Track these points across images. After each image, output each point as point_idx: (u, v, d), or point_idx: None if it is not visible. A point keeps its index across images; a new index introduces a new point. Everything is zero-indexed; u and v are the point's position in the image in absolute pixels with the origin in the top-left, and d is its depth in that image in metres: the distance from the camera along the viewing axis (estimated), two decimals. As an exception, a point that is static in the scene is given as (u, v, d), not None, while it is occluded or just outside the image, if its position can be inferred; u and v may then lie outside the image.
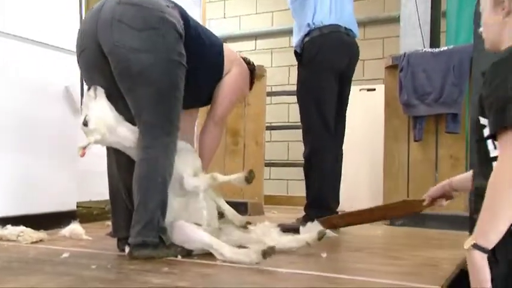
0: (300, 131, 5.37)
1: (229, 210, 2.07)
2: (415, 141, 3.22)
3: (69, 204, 2.77)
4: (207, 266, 1.75)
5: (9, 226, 2.29)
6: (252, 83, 2.52)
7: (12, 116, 2.50)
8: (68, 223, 2.45)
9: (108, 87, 1.92)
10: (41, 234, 2.29)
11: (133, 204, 1.88)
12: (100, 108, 1.88)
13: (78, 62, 2.02)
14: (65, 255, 1.88)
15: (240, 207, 3.63)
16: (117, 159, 2.01)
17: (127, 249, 1.85)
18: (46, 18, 2.66)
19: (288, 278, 1.64)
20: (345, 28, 2.67)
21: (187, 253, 1.89)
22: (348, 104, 2.83)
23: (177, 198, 1.96)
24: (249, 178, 1.85)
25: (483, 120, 1.25)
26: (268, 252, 1.68)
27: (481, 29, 1.40)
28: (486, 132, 1.25)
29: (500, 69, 1.19)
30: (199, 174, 2.02)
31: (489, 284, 1.14)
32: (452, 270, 1.71)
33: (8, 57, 2.47)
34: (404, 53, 3.25)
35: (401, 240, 2.66)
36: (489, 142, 1.25)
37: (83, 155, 1.90)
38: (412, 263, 1.90)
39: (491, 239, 1.13)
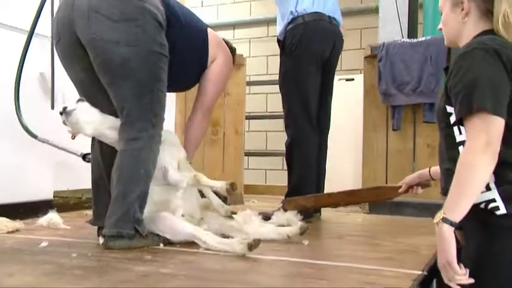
0: (278, 120, 5.41)
1: (214, 199, 2.06)
2: (394, 130, 3.26)
3: (45, 194, 2.73)
4: (190, 254, 1.75)
5: (-17, 216, 2.23)
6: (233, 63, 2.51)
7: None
8: (45, 212, 2.40)
9: (88, 78, 1.88)
10: (17, 223, 2.24)
11: None
12: (86, 112, 1.86)
13: (56, 50, 1.97)
14: (44, 244, 1.85)
15: (220, 197, 3.62)
16: (101, 147, 1.98)
17: (101, 239, 1.83)
18: (18, 3, 2.59)
19: (271, 264, 1.65)
20: (329, 16, 2.66)
21: (167, 241, 1.87)
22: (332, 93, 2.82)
23: (159, 188, 1.95)
24: (231, 190, 1.85)
25: (449, 109, 1.35)
26: (254, 245, 1.68)
27: (440, 26, 1.48)
28: (452, 119, 1.34)
29: (465, 61, 1.29)
30: (184, 167, 2.00)
31: (454, 255, 1.21)
32: (431, 255, 1.75)
33: None
34: (383, 43, 3.28)
35: (381, 227, 2.70)
36: (455, 128, 1.34)
37: (73, 137, 1.92)
38: (392, 249, 1.93)
39: (458, 213, 1.22)
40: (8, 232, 2.15)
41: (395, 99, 3.21)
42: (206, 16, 5.88)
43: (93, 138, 2.03)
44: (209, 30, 2.20)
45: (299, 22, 2.60)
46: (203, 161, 3.86)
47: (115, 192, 1.82)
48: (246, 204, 3.69)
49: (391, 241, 2.10)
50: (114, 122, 1.90)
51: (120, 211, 1.79)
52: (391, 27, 3.60)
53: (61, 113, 1.85)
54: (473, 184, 1.21)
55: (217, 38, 2.24)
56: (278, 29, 2.74)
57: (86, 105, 1.88)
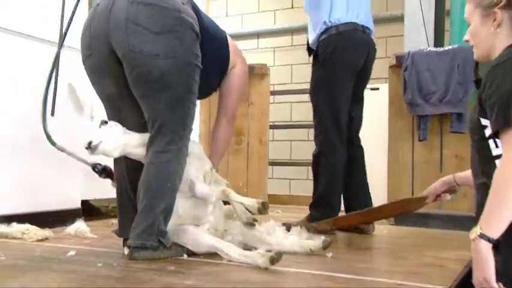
0: (303, 130, 5.40)
1: (238, 206, 2.02)
2: (420, 140, 3.22)
3: (73, 202, 2.78)
4: (214, 265, 1.75)
5: (14, 224, 2.31)
6: None
7: (17, 115, 2.51)
8: (72, 221, 2.46)
9: (118, 93, 1.89)
10: (46, 232, 2.30)
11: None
12: (115, 144, 1.85)
13: (84, 64, 1.94)
14: (71, 253, 1.90)
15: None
16: (126, 159, 1.98)
17: (126, 250, 1.85)
18: (47, 15, 2.63)
19: (295, 277, 1.64)
20: (362, 26, 2.63)
21: (191, 252, 1.88)
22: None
23: (184, 200, 1.96)
24: (262, 209, 1.81)
25: (484, 121, 1.32)
26: (276, 259, 1.67)
27: (466, 37, 1.45)
28: (488, 132, 1.31)
29: (499, 71, 1.26)
30: (210, 179, 2.01)
31: (493, 274, 1.18)
32: (459, 270, 1.71)
33: (10, 55, 2.47)
34: (409, 52, 3.24)
35: (407, 240, 2.65)
36: (491, 141, 1.32)
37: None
38: (418, 262, 1.90)
39: (496, 229, 1.19)
40: (38, 240, 2.21)
41: (421, 109, 3.17)
42: (230, 25, 5.95)
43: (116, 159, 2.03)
44: (228, 38, 2.21)
45: (333, 32, 2.58)
46: (227, 170, 3.88)
47: (142, 204, 1.83)
48: (270, 214, 3.68)
49: (417, 254, 2.06)
50: (139, 139, 1.90)
51: (145, 223, 1.80)
52: (416, 36, 3.56)
53: (87, 148, 1.82)
54: (510, 199, 1.17)
55: (234, 45, 2.24)
56: (310, 38, 2.72)
57: (109, 130, 1.86)
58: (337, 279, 1.60)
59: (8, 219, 2.34)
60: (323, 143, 2.64)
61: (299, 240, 2.05)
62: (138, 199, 1.86)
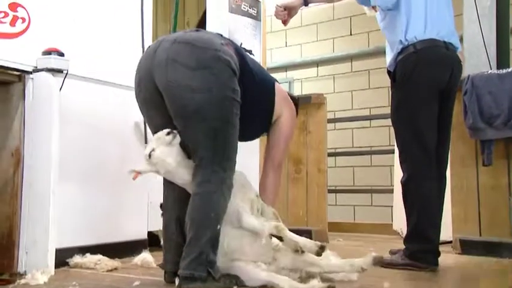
0: (365, 156, 5.35)
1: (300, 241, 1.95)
2: (484, 165, 3.10)
3: (140, 234, 2.95)
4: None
5: (88, 254, 2.51)
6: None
7: (88, 154, 2.72)
8: (139, 252, 2.64)
9: (164, 124, 2.01)
10: (116, 262, 2.48)
11: (184, 238, 1.94)
12: (169, 154, 1.95)
13: (136, 100, 2.13)
14: (136, 283, 2.04)
15: (304, 235, 3.65)
16: (173, 191, 2.09)
17: (177, 281, 1.91)
18: (113, 59, 2.87)
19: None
20: (444, 42, 2.49)
21: (241, 284, 1.91)
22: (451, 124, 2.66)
23: (233, 231, 1.98)
24: (320, 252, 1.81)
25: None
26: None
27: None
28: None
29: None
30: (257, 208, 2.02)
31: None
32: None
33: (78, 97, 2.68)
34: (468, 76, 3.17)
35: (475, 270, 2.54)
36: None
37: (135, 177, 1.99)
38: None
39: None
40: (108, 270, 2.39)
41: (484, 133, 3.07)
42: (289, 55, 6.10)
43: (165, 185, 2.14)
44: (277, 85, 2.27)
45: (410, 51, 2.47)
46: (287, 198, 3.95)
47: (189, 235, 1.90)
48: (331, 242, 3.70)
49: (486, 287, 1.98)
50: (187, 161, 1.97)
51: (193, 253, 1.87)
52: (477, 58, 3.47)
53: (149, 156, 1.94)
54: None
55: (284, 93, 2.29)
56: (387, 59, 2.65)
57: (176, 149, 1.96)
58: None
59: (83, 250, 2.54)
60: (410, 169, 2.50)
61: (349, 260, 2.03)
62: (186, 230, 1.93)
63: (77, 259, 2.47)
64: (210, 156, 1.93)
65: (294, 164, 3.96)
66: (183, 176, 1.97)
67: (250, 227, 1.96)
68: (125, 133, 2.92)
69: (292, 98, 2.39)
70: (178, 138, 1.96)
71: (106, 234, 2.76)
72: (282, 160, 2.26)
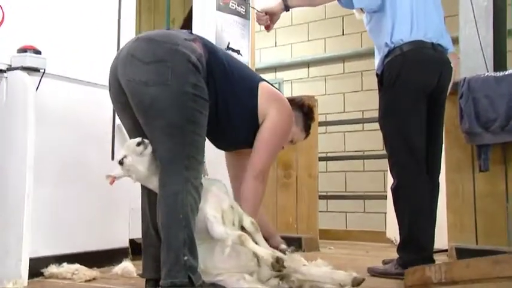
0: (358, 161, 5.36)
1: (263, 252, 1.92)
2: (481, 171, 3.12)
3: (121, 241, 2.91)
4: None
5: (65, 264, 2.46)
6: (308, 126, 2.49)
7: (66, 155, 2.69)
8: (120, 260, 2.60)
9: (134, 124, 2.00)
10: (94, 272, 2.44)
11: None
12: (140, 162, 1.93)
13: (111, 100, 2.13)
14: (117, 294, 2.02)
15: (294, 243, 3.65)
16: (148, 196, 2.06)
17: None
18: (91, 58, 2.84)
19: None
20: (432, 44, 2.49)
21: None
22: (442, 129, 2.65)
23: (205, 246, 1.95)
24: (275, 265, 1.78)
25: None
26: None
27: None
28: None
29: None
30: (229, 219, 1.98)
31: None
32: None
33: (55, 97, 2.65)
34: (464, 78, 3.19)
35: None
36: None
37: (112, 182, 1.98)
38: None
39: None
40: (86, 281, 2.34)
41: (480, 138, 3.09)
42: (279, 56, 6.11)
43: (142, 190, 2.11)
44: (263, 84, 2.19)
45: (396, 53, 2.49)
46: (276, 204, 3.94)
47: (162, 241, 1.86)
48: (322, 251, 3.69)
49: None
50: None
51: (170, 260, 1.82)
52: (473, 61, 3.50)
53: (121, 163, 1.94)
54: None
55: (273, 94, 2.20)
56: (376, 62, 2.66)
57: (147, 158, 1.94)
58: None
59: (59, 259, 2.49)
60: (399, 176, 2.51)
61: (332, 271, 2.02)
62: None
63: (52, 269, 2.42)
64: (169, 155, 1.89)
65: (284, 169, 3.95)
66: (157, 183, 1.95)
67: (217, 236, 1.92)
68: (104, 135, 2.88)
69: (302, 105, 2.37)
70: (150, 148, 1.93)
71: (84, 242, 2.71)
72: (263, 168, 2.16)
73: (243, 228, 2.05)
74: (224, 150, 2.38)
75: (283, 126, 2.20)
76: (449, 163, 3.25)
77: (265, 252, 1.82)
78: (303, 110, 2.47)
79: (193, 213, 1.88)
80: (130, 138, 2.07)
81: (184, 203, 1.85)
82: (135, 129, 2.02)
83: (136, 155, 1.93)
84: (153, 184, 1.97)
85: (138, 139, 1.94)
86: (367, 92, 5.42)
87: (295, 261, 2.04)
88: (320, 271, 2.02)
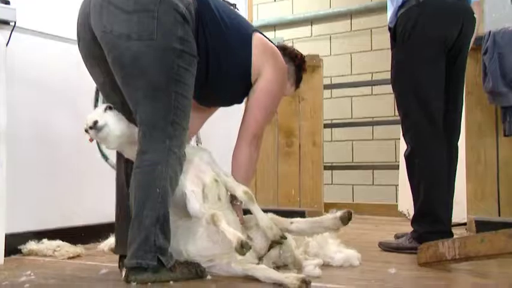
0: (366, 128, 5.32)
1: (262, 219, 1.97)
2: (505, 136, 3.09)
3: (107, 216, 2.86)
4: (256, 283, 1.78)
5: (45, 240, 2.44)
6: (299, 79, 2.42)
7: (43, 119, 2.64)
8: (106, 237, 2.58)
9: (108, 82, 1.92)
10: (78, 249, 2.42)
11: None
12: (111, 130, 1.90)
13: (80, 53, 2.01)
14: (104, 271, 1.99)
15: (296, 217, 3.64)
16: (126, 165, 2.00)
17: (123, 272, 1.83)
18: (68, 10, 2.63)
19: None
20: None
21: (202, 273, 1.84)
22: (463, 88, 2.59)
23: (184, 223, 1.93)
24: (238, 248, 1.73)
25: None
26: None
27: None
28: None
29: None
30: (212, 195, 1.95)
31: None
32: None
33: (28, 54, 2.58)
34: (489, 32, 3.13)
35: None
36: None
37: (91, 140, 1.97)
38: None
39: None
40: (69, 258, 2.32)
41: (506, 99, 3.04)
42: (279, 12, 5.98)
43: (118, 157, 2.06)
44: (257, 35, 2.12)
45: (412, 3, 2.43)
46: (277, 175, 3.90)
47: (133, 216, 1.81)
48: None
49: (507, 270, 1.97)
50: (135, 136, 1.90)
51: (138, 238, 1.77)
52: (499, 12, 3.41)
53: (91, 128, 1.88)
54: None
55: (268, 47, 2.13)
56: (388, 14, 2.60)
57: (115, 116, 1.92)
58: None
59: (39, 235, 2.47)
60: (414, 140, 2.47)
61: (319, 219, 2.05)
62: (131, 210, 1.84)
63: (31, 245, 2.40)
64: (150, 120, 1.82)
65: (285, 136, 3.91)
66: (132, 153, 1.90)
67: (192, 213, 1.89)
68: (81, 96, 2.77)
69: (295, 56, 2.29)
70: (116, 115, 1.90)
71: (66, 217, 2.69)
72: (257, 132, 2.12)
73: (234, 199, 2.04)
74: (207, 106, 2.31)
75: (278, 87, 2.15)
76: (469, 127, 3.22)
77: (232, 234, 1.77)
78: (295, 62, 2.37)
79: (172, 187, 1.84)
80: (106, 100, 2.01)
81: (163, 176, 1.79)
82: (110, 89, 1.94)
83: (107, 120, 1.88)
84: (129, 153, 1.93)
85: (106, 105, 1.91)
86: (377, 52, 5.32)
87: (281, 221, 2.04)
88: (308, 222, 2.04)
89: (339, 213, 1.99)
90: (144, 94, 1.82)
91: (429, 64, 2.45)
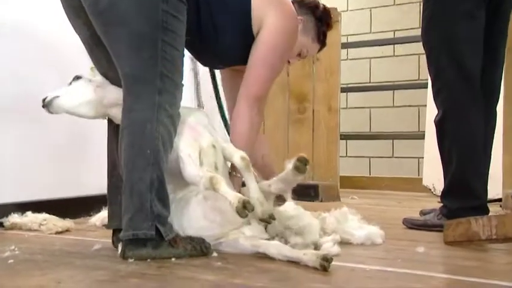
0: (386, 93, 5.30)
1: (255, 193, 1.88)
2: (548, 100, 3.08)
3: (99, 187, 2.87)
4: (269, 261, 1.78)
5: (29, 213, 2.46)
6: (321, 34, 2.35)
7: (25, 79, 2.64)
8: (98, 210, 2.60)
9: (91, 36, 1.90)
10: (67, 223, 2.44)
11: None
12: (77, 93, 1.94)
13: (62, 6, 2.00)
14: (97, 246, 2.00)
15: (309, 191, 3.67)
16: (117, 131, 1.96)
17: (119, 247, 1.82)
18: None
19: (373, 276, 1.64)
20: None
21: (206, 249, 1.84)
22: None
23: (179, 195, 1.94)
24: (241, 212, 1.70)
25: None
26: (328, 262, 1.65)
27: None
28: None
29: None
30: (208, 159, 1.94)
31: None
32: None
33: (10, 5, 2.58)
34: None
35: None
36: None
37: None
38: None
39: None
40: (57, 232, 2.34)
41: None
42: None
43: (109, 122, 2.05)
44: None
45: None
46: (288, 145, 3.90)
47: (123, 182, 1.80)
48: (343, 201, 3.70)
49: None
50: (117, 95, 1.89)
51: (133, 207, 1.76)
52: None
53: (43, 107, 1.94)
54: None
55: None
56: None
57: (77, 85, 1.95)
58: (430, 279, 1.58)
59: (22, 207, 2.49)
60: (446, 103, 2.43)
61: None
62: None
63: (14, 218, 2.42)
64: (136, 73, 1.80)
65: (297, 101, 3.90)
66: (117, 114, 1.91)
67: (189, 179, 1.86)
68: (72, 50, 2.78)
69: (315, 7, 2.25)
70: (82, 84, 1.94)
71: (53, 187, 2.70)
72: (260, 93, 2.09)
73: (234, 170, 2.04)
74: (211, 68, 2.29)
75: (284, 37, 2.08)
76: (508, 89, 3.19)
77: (233, 196, 1.75)
78: (315, 14, 2.33)
79: (165, 148, 1.81)
80: (90, 56, 2.00)
81: (154, 135, 1.77)
82: (93, 44, 1.92)
83: (59, 93, 1.94)
84: (120, 117, 1.90)
85: (74, 76, 1.95)
86: (401, 7, 5.29)
87: (262, 185, 1.98)
88: (280, 180, 1.95)
89: (291, 165, 1.89)
90: (125, 44, 1.80)
91: (466, 17, 2.40)
